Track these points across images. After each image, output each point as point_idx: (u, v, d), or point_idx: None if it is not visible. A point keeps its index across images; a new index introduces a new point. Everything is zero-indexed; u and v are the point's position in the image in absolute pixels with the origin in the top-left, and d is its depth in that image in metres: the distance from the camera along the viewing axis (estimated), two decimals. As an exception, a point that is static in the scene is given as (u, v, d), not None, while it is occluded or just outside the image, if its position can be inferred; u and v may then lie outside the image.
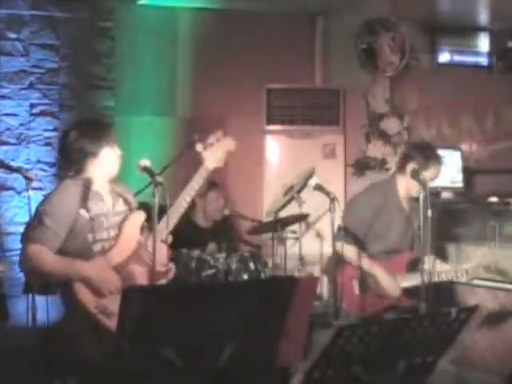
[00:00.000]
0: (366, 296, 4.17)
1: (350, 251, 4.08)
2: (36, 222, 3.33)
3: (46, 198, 3.47)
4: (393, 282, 4.17)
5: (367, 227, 4.16)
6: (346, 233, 3.96)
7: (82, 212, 3.37)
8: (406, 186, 4.24)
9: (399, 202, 4.29)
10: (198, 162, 3.74)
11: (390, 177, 4.61)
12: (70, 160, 3.48)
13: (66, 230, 3.32)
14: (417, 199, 3.86)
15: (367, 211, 4.17)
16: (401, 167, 4.30)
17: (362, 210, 4.04)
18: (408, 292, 4.17)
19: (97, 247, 3.40)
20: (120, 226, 3.51)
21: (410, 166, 4.12)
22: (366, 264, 4.13)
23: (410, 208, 4.31)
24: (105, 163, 3.49)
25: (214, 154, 3.68)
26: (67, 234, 3.33)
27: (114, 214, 3.52)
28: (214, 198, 5.93)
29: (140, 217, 3.56)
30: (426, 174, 4.10)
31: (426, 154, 4.25)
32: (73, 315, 3.37)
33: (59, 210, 3.33)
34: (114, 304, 3.21)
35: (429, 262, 3.92)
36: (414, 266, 4.21)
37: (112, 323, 3.20)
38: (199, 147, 3.70)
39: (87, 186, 3.44)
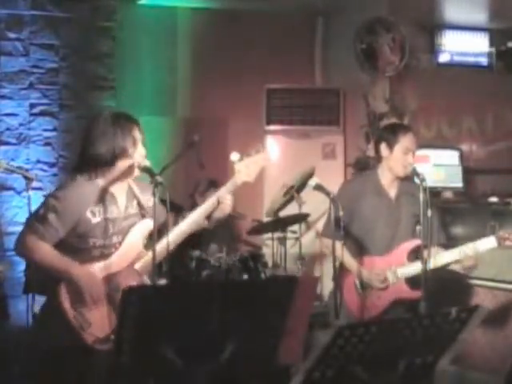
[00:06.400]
0: (368, 296, 4.14)
1: (336, 247, 4.00)
2: (41, 212, 3.26)
3: (59, 190, 3.35)
4: (374, 275, 4.12)
5: (349, 214, 4.09)
6: (335, 226, 3.89)
7: (89, 215, 3.27)
8: (387, 171, 4.22)
9: (381, 188, 4.25)
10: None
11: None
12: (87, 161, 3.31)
13: (68, 228, 3.27)
14: (416, 183, 3.92)
15: (344, 198, 4.13)
16: (376, 153, 4.30)
17: (339, 198, 3.99)
18: (411, 281, 4.12)
19: (95, 252, 3.33)
20: (126, 232, 3.40)
21: (383, 147, 4.17)
22: (345, 258, 4.08)
23: (400, 196, 4.25)
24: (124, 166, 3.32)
25: (248, 167, 3.43)
26: (69, 233, 3.28)
27: (125, 218, 3.40)
28: (214, 198, 5.92)
29: (146, 226, 3.39)
30: (403, 145, 4.14)
31: (391, 129, 4.31)
32: (51, 314, 3.31)
33: (67, 209, 3.24)
34: (92, 315, 3.22)
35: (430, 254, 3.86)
36: (417, 254, 4.14)
37: (86, 335, 3.19)
38: (234, 156, 3.44)
39: (105, 191, 3.32)
